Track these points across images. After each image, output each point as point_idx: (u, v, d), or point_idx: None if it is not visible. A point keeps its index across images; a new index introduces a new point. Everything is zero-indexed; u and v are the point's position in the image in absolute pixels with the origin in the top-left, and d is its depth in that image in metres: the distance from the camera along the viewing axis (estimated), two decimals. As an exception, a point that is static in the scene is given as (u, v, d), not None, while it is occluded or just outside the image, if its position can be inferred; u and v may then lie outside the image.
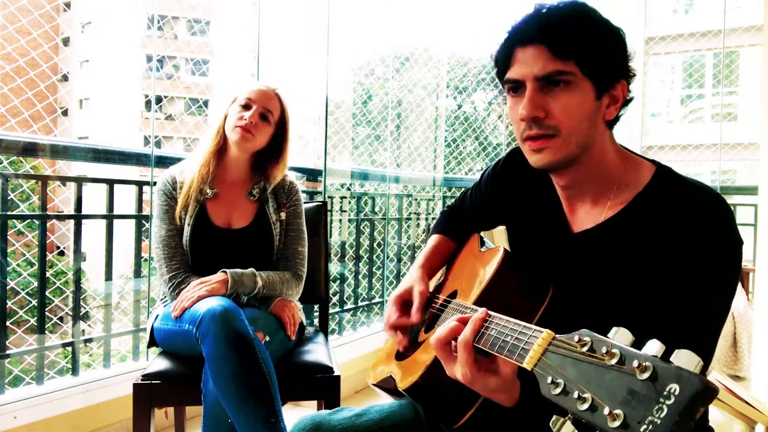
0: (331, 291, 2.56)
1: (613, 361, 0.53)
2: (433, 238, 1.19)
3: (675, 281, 0.77)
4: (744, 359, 3.00)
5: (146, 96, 13.96)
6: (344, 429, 0.92)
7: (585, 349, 0.57)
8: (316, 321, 1.99)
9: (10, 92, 2.73)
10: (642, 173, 0.87)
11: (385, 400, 1.04)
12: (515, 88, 0.85)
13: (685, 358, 0.49)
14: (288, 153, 1.75)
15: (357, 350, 2.82)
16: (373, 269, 3.35)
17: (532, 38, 0.82)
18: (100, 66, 13.85)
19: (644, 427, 0.47)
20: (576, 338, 0.59)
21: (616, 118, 0.87)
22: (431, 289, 1.14)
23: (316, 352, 1.64)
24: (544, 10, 0.83)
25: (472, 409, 0.83)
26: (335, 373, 1.56)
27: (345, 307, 3.11)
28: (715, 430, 0.90)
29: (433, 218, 3.89)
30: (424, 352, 0.94)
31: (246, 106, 1.65)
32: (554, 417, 0.57)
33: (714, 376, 2.01)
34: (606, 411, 0.51)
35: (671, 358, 0.50)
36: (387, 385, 1.00)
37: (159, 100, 7.02)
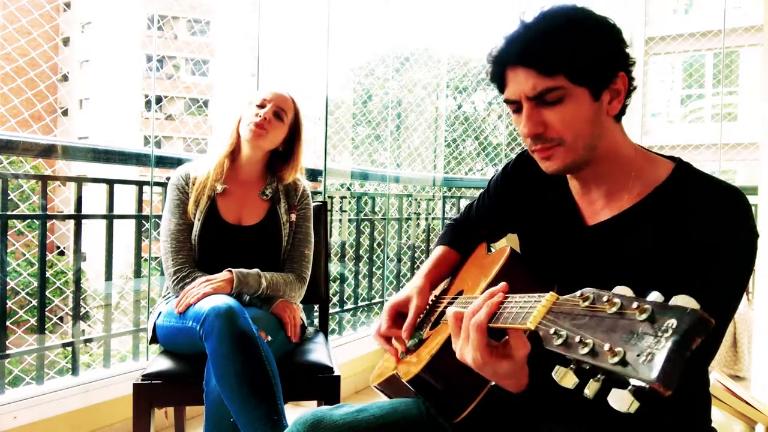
0: (331, 291, 2.55)
1: (614, 309, 0.55)
2: (439, 249, 1.17)
3: (690, 270, 0.78)
4: (744, 359, 3.00)
5: (146, 96, 13.97)
6: (345, 424, 0.92)
7: (587, 303, 0.59)
8: (316, 321, 1.99)
9: (10, 92, 2.73)
10: (661, 168, 0.88)
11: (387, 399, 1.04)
12: (515, 106, 0.87)
13: (682, 300, 0.51)
14: (301, 156, 1.77)
15: (357, 350, 2.82)
16: (373, 269, 3.34)
17: (518, 60, 0.83)
18: (100, 66, 13.85)
19: (642, 359, 0.49)
20: (579, 294, 0.61)
21: (623, 109, 0.88)
22: (438, 292, 1.14)
23: (316, 352, 1.64)
24: (525, 29, 0.84)
25: (475, 401, 0.83)
26: (335, 373, 1.56)
27: (345, 307, 3.11)
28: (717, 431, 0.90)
29: (434, 218, 3.90)
30: (428, 347, 0.94)
31: (261, 105, 1.69)
32: (557, 367, 0.59)
33: (714, 376, 2.01)
34: (606, 349, 0.52)
35: (669, 302, 0.52)
36: (390, 384, 1.00)
37: (159, 100, 7.02)
